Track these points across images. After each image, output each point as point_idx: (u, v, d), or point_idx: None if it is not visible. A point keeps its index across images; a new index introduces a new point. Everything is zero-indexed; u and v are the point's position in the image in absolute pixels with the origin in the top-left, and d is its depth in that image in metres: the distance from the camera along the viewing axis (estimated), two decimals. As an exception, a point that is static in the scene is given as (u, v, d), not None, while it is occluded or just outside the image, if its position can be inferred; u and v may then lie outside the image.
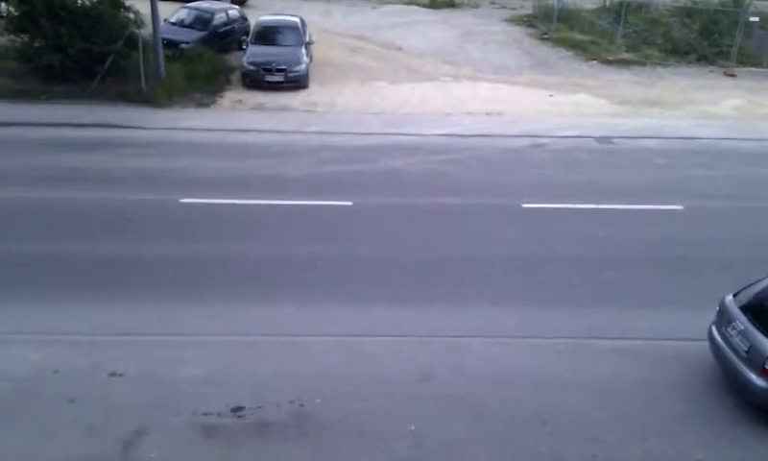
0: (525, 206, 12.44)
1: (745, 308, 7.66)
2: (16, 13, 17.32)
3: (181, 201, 11.94)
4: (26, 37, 17.32)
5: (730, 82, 22.07)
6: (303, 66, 18.86)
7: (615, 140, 15.99)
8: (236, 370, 8.04)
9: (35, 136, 14.65)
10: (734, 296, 7.98)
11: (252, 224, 11.47)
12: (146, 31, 17.68)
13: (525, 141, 15.78)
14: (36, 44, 17.13)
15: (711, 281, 9.87)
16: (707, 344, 8.16)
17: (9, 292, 9.15)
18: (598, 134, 16.28)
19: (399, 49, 24.13)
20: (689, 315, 8.97)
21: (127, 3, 17.94)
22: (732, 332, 7.66)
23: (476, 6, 32.78)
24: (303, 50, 19.34)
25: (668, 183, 13.84)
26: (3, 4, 21.37)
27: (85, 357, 8.09)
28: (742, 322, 7.55)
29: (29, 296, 9.15)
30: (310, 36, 20.69)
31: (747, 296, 7.81)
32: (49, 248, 10.34)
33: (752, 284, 7.92)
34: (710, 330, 8.14)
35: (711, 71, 23.20)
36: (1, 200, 11.72)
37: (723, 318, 7.93)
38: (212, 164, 13.69)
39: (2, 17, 19.86)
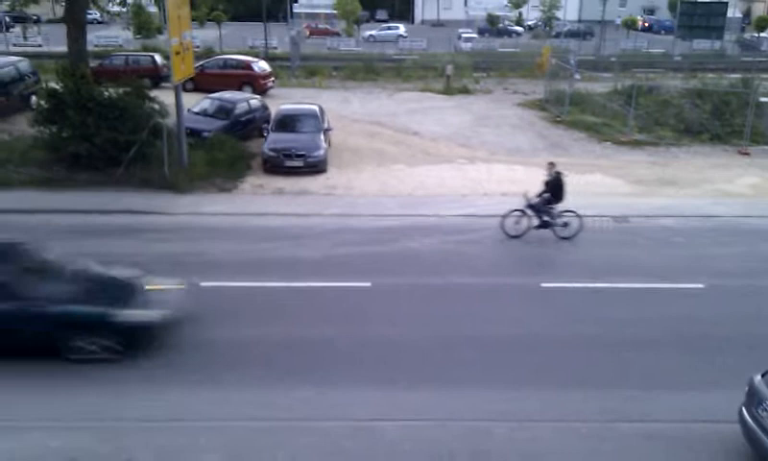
0: (544, 285, 12.41)
1: (775, 389, 7.48)
2: (46, 106, 18.05)
3: (202, 284, 12.04)
4: (54, 128, 17.98)
5: (744, 160, 22.20)
6: (322, 152, 19.33)
7: (632, 219, 16.01)
8: (253, 457, 7.92)
9: (61, 222, 14.96)
10: (763, 376, 7.80)
11: (271, 306, 11.50)
12: (170, 120, 18.32)
13: (542, 221, 15.82)
14: (64, 134, 17.75)
15: (737, 361, 9.74)
16: (738, 426, 7.94)
17: (26, 381, 9.13)
18: (615, 214, 16.32)
19: (416, 134, 24.69)
20: (717, 396, 8.80)
21: (151, 94, 18.73)
22: (764, 414, 7.45)
23: (489, 92, 33.76)
24: (322, 136, 19.87)
25: (687, 262, 13.76)
26: (33, 97, 22.39)
27: (103, 444, 8.02)
28: (773, 403, 7.36)
29: (47, 384, 9.13)
30: (328, 122, 21.29)
31: (776, 375, 7.65)
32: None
33: (780, 363, 7.76)
34: (741, 412, 7.93)
35: (725, 150, 23.41)
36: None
37: (753, 399, 7.73)
38: (233, 248, 13.87)
39: (32, 110, 20.75)
